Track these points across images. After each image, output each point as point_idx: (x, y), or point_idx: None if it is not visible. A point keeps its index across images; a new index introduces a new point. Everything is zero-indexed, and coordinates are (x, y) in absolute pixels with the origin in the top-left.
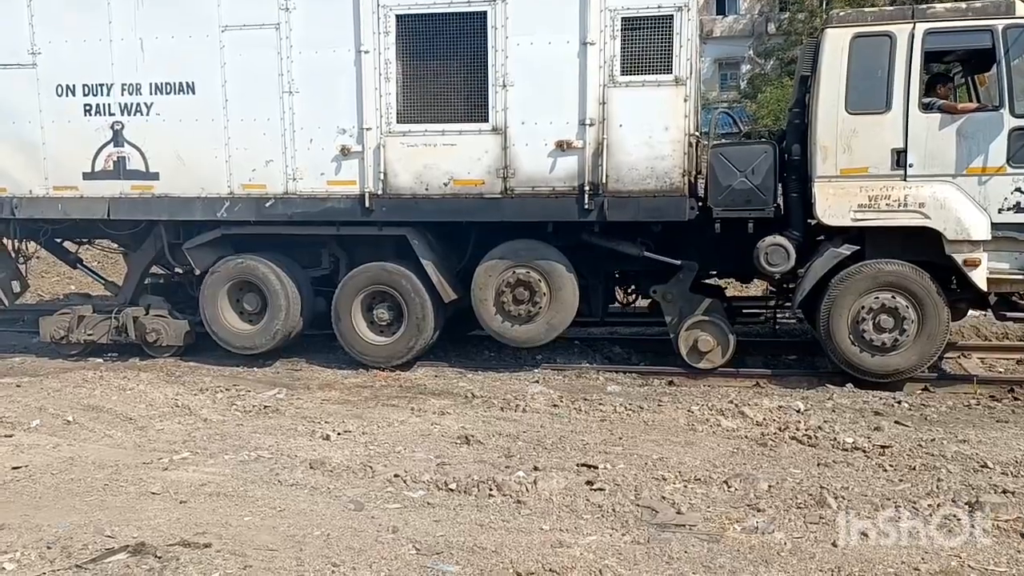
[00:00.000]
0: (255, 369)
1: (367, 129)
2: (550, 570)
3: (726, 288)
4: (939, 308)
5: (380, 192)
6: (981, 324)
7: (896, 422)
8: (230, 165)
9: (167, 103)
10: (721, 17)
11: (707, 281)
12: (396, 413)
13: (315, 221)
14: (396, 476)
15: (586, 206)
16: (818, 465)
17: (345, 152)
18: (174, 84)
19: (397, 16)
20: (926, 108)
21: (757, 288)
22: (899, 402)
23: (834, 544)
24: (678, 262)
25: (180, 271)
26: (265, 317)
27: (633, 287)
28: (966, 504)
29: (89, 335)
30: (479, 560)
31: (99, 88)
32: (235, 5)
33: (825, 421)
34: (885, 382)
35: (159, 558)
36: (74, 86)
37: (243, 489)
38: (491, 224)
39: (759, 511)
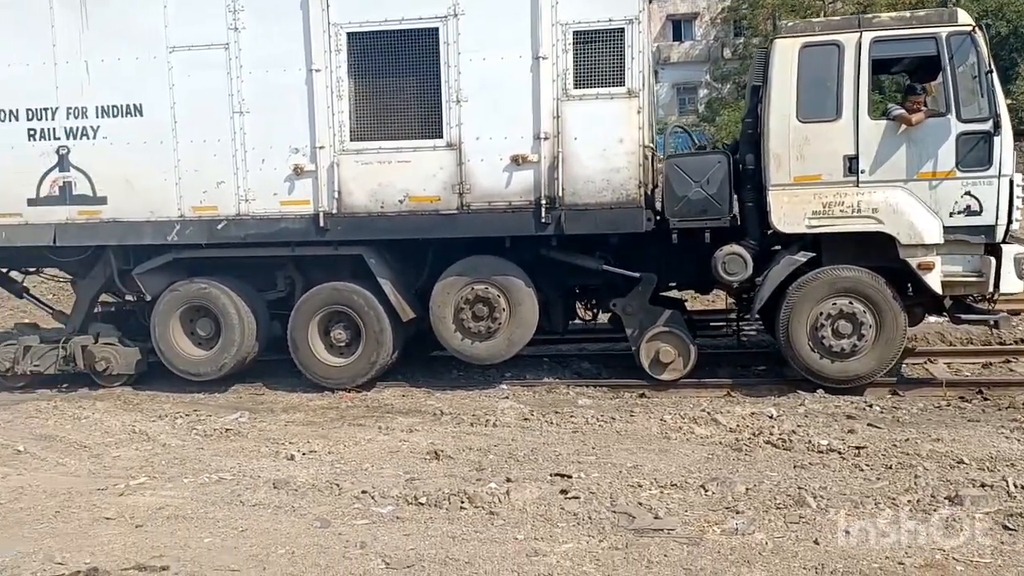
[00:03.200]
0: (216, 395)
1: (320, 148)
2: None
3: (687, 301)
4: (896, 313)
5: (335, 211)
6: (945, 330)
7: (869, 424)
8: (180, 187)
9: (114, 126)
10: (677, 43)
11: (667, 294)
12: (363, 432)
13: (269, 242)
14: (364, 492)
15: (543, 220)
16: (794, 467)
17: (298, 171)
18: (121, 107)
19: (348, 34)
20: (882, 115)
21: (721, 301)
22: (870, 406)
23: (816, 542)
24: (637, 275)
25: (131, 298)
26: (219, 342)
27: (593, 301)
28: (946, 499)
29: (36, 366)
30: (451, 572)
31: (43, 112)
32: (183, 26)
33: (799, 425)
34: (846, 388)
35: None
36: (17, 110)
37: (203, 511)
38: (449, 241)
39: (738, 513)
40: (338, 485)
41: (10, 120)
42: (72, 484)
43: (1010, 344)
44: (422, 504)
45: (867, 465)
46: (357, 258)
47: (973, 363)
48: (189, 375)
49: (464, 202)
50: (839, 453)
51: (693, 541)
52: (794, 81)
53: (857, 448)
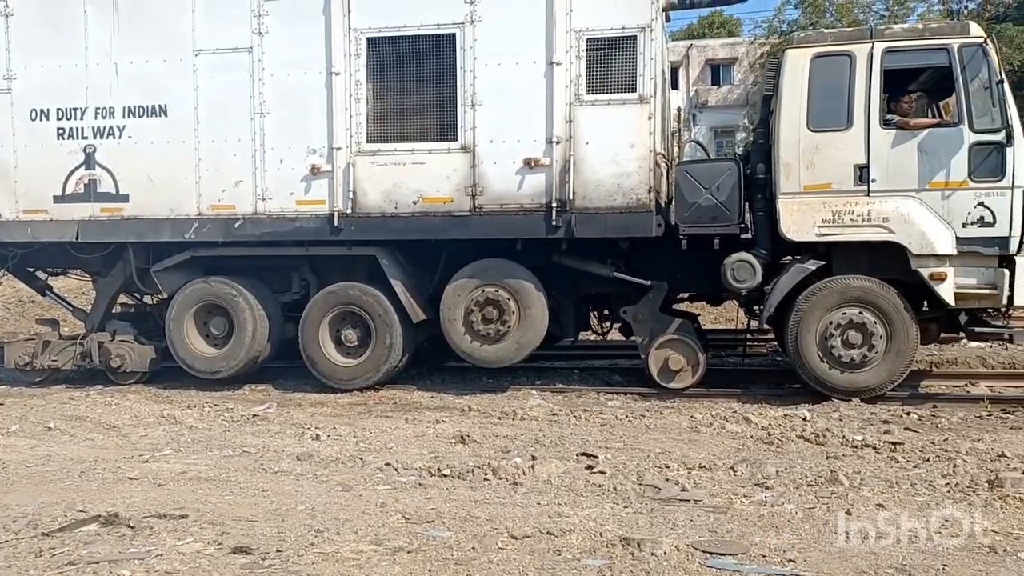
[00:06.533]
0: (245, 391)
1: (337, 149)
2: (547, 533)
3: (699, 315)
4: (907, 324)
5: (349, 211)
6: (987, 355)
7: (906, 428)
8: (200, 186)
9: (139, 126)
10: (716, 87)
11: (679, 307)
12: (389, 422)
13: (284, 241)
14: (387, 465)
15: (554, 223)
16: (827, 458)
17: (315, 171)
18: (147, 107)
19: (368, 39)
20: (887, 125)
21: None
22: (908, 413)
23: (848, 512)
24: (648, 282)
25: (150, 300)
26: (231, 341)
27: (605, 311)
28: (986, 482)
29: (54, 361)
30: (472, 527)
31: (73, 112)
32: (209, 30)
33: (833, 425)
34: (881, 397)
35: (132, 527)
36: (48, 110)
37: (225, 476)
38: (461, 244)
39: (767, 488)
40: (361, 459)
41: (41, 119)
42: (99, 454)
43: None
44: (445, 476)
45: (904, 458)
46: (371, 260)
47: (1017, 386)
48: (199, 372)
49: (476, 204)
50: (874, 448)
51: (720, 510)
52: (805, 91)
53: (894, 444)
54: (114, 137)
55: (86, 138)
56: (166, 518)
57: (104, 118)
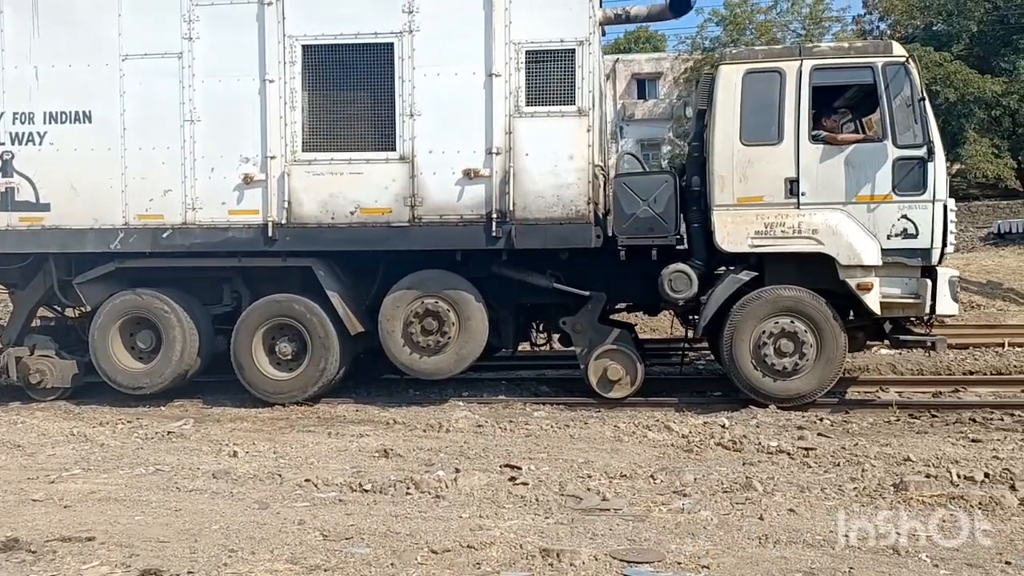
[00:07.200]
0: (162, 408)
1: (271, 158)
2: (468, 546)
3: (636, 324)
4: (836, 333)
5: (284, 221)
6: (897, 361)
7: (819, 434)
8: (126, 195)
9: (62, 132)
10: (642, 101)
11: (617, 318)
12: (312, 437)
13: (215, 252)
14: (307, 481)
15: (494, 233)
16: (743, 464)
17: (248, 181)
18: (70, 113)
19: (303, 47)
20: (815, 140)
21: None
22: (821, 419)
23: (760, 518)
24: (587, 293)
25: (72, 313)
26: (159, 355)
27: (544, 322)
28: (892, 486)
29: None
30: (392, 543)
31: None
32: (136, 34)
33: (750, 431)
34: (797, 404)
35: (33, 552)
36: None
37: (136, 495)
38: (400, 255)
39: (685, 496)
40: (280, 475)
41: None
42: (0, 476)
43: (959, 375)
44: (367, 491)
45: (815, 463)
46: (306, 271)
47: (924, 391)
48: (125, 388)
49: (416, 215)
50: (788, 454)
51: (639, 518)
52: (738, 106)
53: (806, 450)
54: (34, 144)
55: (3, 144)
56: (71, 541)
57: (23, 124)
